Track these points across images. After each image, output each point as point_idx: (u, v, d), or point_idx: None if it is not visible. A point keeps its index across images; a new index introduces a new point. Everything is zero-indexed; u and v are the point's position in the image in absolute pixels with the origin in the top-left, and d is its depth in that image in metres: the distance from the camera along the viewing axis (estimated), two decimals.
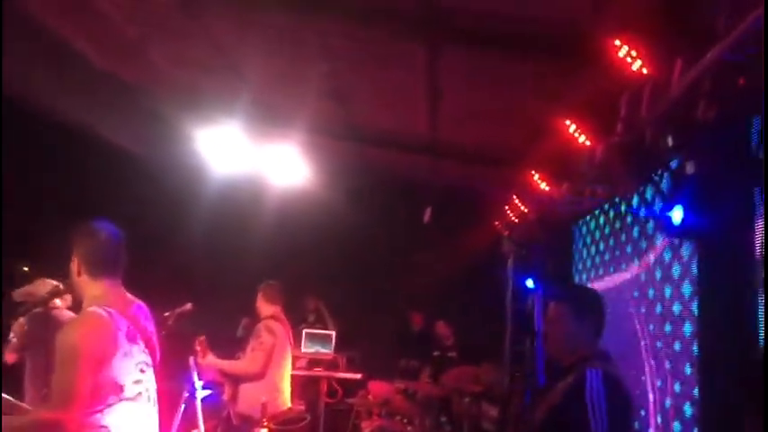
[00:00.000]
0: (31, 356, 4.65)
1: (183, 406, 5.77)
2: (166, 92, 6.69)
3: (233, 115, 6.66)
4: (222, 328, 5.75)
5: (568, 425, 2.42)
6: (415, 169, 8.08)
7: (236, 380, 5.35)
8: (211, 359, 5.34)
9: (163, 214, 7.83)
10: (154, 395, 2.83)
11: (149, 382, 2.80)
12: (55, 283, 4.74)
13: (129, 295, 2.84)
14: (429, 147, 6.95)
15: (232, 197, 8.13)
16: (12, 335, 4.72)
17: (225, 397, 6.03)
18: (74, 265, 2.79)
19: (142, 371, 2.77)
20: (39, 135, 6.79)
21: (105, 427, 2.59)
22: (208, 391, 6.06)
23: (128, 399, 2.66)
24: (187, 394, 5.82)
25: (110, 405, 2.60)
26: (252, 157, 7.43)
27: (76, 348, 2.57)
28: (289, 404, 5.36)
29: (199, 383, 5.89)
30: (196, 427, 5.81)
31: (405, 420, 5.47)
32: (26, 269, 4.94)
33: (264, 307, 5.45)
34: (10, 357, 4.70)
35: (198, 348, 5.32)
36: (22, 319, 4.74)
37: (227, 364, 5.50)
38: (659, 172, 3.95)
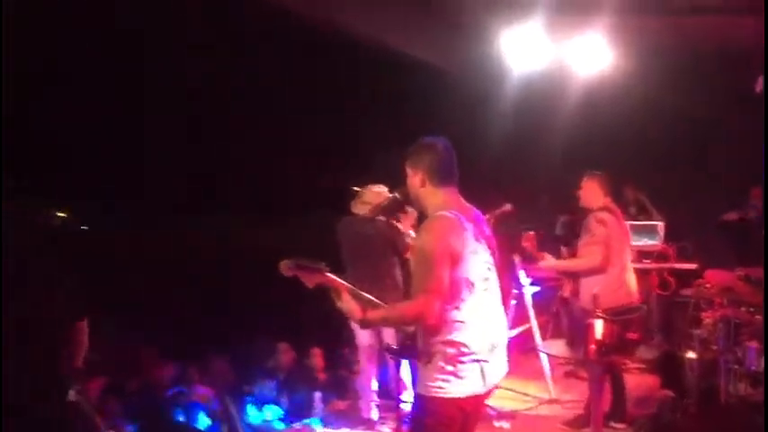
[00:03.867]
0: (355, 266, 5.09)
1: (513, 302, 6.06)
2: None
3: (533, 12, 6.52)
4: (537, 227, 5.76)
5: None
6: (737, 34, 7.11)
7: (576, 276, 5.26)
8: (551, 261, 5.38)
9: (467, 122, 8.03)
10: (498, 292, 3.00)
11: (494, 279, 2.98)
12: (386, 190, 5.11)
13: (465, 202, 3.02)
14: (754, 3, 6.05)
15: (536, 96, 8.04)
16: None
17: (565, 293, 6.04)
18: (416, 178, 2.98)
19: (488, 269, 2.95)
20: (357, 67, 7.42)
21: (462, 321, 2.81)
22: (536, 288, 6.26)
23: (478, 294, 2.86)
24: (516, 291, 6.08)
25: (463, 300, 2.82)
26: (555, 51, 7.23)
27: (433, 248, 2.79)
28: (633, 297, 5.12)
29: (526, 280, 6.11)
30: (527, 321, 6.07)
31: (752, 310, 5.00)
32: (357, 189, 5.43)
33: (594, 198, 5.20)
34: None
35: (527, 245, 5.36)
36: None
37: (565, 264, 5.53)
38: None
